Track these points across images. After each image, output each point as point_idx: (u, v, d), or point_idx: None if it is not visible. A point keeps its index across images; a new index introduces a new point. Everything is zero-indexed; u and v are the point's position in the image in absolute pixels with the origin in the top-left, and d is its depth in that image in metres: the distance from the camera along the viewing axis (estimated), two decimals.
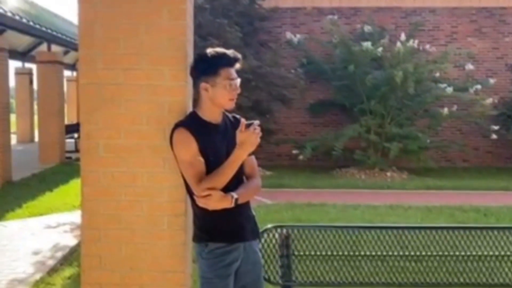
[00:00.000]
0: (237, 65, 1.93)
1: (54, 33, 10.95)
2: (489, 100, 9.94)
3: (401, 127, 9.81)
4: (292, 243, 2.68)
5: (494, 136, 10.30)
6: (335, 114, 10.80)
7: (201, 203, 1.87)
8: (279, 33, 10.89)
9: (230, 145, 1.90)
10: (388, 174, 9.73)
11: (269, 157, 10.18)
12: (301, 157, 9.66)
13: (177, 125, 1.93)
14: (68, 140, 11.88)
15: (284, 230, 2.68)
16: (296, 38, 10.40)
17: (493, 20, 11.02)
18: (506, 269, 2.73)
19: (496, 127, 10.24)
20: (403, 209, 6.98)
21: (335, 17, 10.42)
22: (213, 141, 1.93)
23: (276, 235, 2.69)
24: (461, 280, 2.74)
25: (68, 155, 11.17)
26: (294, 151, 9.96)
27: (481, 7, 10.99)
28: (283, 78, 9.75)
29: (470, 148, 10.76)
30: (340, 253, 2.71)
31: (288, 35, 10.44)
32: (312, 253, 2.73)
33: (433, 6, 11.03)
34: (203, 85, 1.90)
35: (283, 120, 10.73)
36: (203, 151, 1.90)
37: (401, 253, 2.71)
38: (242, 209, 1.96)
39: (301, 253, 2.74)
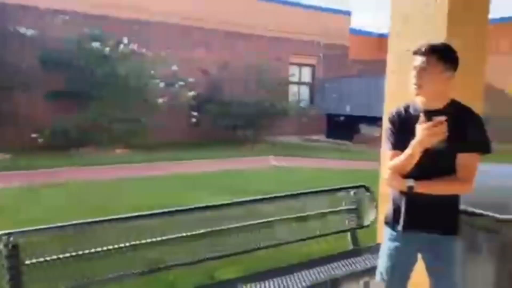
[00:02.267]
0: None
1: None
2: (190, 93, 12.80)
3: (126, 112, 11.54)
4: (23, 251, 2.21)
5: (193, 120, 13.43)
6: (70, 101, 11.64)
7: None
8: (10, 28, 11.30)
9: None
10: (117, 151, 11.30)
11: (10, 140, 10.69)
12: (40, 140, 10.66)
13: None
14: None
15: (12, 238, 2.17)
16: (29, 32, 11.15)
17: (188, 35, 14.44)
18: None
19: (195, 113, 13.33)
20: (132, 181, 7.57)
21: (67, 17, 11.61)
22: None
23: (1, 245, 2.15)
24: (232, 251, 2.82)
25: None
26: (34, 135, 10.71)
27: (182, 25, 14.27)
28: (17, 69, 10.51)
29: (178, 128, 13.54)
30: (74, 253, 2.31)
31: (23, 30, 11.11)
32: (43, 259, 2.25)
33: (147, 20, 13.58)
34: None
35: (23, 107, 11.29)
36: None
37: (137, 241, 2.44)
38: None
39: (33, 261, 2.24)
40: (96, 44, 11.22)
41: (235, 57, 15.35)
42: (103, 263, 2.40)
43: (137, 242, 2.43)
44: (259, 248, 2.91)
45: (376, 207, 3.28)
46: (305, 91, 18.03)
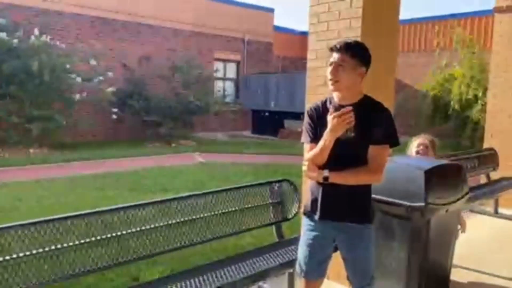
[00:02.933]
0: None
1: None
2: (110, 89, 12.27)
3: (40, 109, 10.79)
4: None
5: (114, 116, 12.89)
6: None
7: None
8: None
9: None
10: (31, 150, 10.57)
11: None
12: None
13: None
14: None
15: None
16: None
17: (107, 27, 13.94)
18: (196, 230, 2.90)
19: (115, 110, 12.78)
20: (48, 181, 7.23)
21: None
22: None
23: None
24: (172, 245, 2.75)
25: None
26: None
27: (98, 16, 13.66)
28: None
29: (98, 126, 13.06)
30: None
31: None
32: None
33: (61, 10, 12.79)
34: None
35: None
36: None
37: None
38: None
39: None
40: (2, 35, 10.28)
41: (158, 52, 14.99)
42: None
43: (53, 247, 2.27)
44: (183, 246, 2.86)
45: (299, 200, 3.37)
46: (230, 87, 18.09)
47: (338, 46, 2.11)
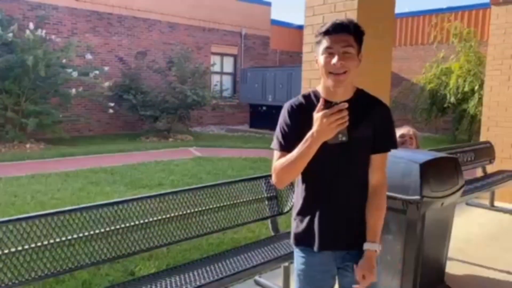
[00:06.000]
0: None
1: None
2: (106, 83, 12.13)
3: (36, 104, 10.66)
4: None
5: (110, 111, 12.78)
6: None
7: None
8: None
9: None
10: (27, 146, 10.51)
11: None
12: None
13: None
14: None
15: None
16: None
17: (103, 22, 13.85)
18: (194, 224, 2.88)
19: (112, 104, 12.63)
20: (44, 177, 7.16)
21: None
22: None
23: None
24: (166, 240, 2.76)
25: None
26: None
27: (93, 10, 13.57)
28: None
29: (94, 120, 13.05)
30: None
31: None
32: None
33: (55, 4, 12.68)
34: None
35: None
36: None
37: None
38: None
39: None
40: None
41: (154, 46, 14.92)
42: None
43: (46, 242, 2.24)
44: (179, 241, 2.86)
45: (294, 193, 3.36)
46: (227, 81, 18.03)
47: (344, 24, 1.60)
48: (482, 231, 4.78)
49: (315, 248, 1.75)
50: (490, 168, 5.83)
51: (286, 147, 1.66)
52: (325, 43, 1.61)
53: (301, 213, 1.79)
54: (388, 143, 1.75)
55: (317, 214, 1.73)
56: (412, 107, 13.69)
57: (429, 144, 9.61)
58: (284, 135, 1.70)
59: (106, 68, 12.55)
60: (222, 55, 17.56)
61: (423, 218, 2.79)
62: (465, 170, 3.86)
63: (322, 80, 1.69)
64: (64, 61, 11.25)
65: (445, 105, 12.35)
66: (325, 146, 1.55)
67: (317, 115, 1.51)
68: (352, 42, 1.60)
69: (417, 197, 2.66)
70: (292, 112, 1.72)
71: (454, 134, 12.87)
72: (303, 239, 1.78)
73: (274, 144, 1.73)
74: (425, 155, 2.95)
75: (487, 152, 5.71)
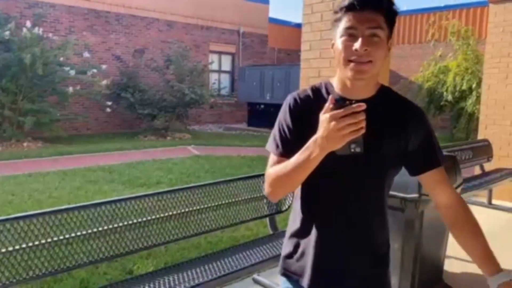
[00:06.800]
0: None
1: None
2: (104, 82, 12.13)
3: (33, 103, 10.68)
4: None
5: (108, 110, 12.78)
6: None
7: None
8: None
9: None
10: (25, 144, 10.50)
11: None
12: None
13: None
14: None
15: None
16: None
17: (101, 20, 13.81)
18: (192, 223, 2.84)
19: (109, 103, 12.62)
20: (42, 175, 7.16)
21: None
22: None
23: None
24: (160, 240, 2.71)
25: None
26: None
27: (91, 8, 13.55)
28: None
29: (92, 119, 13.05)
30: None
31: None
32: None
33: (53, 2, 12.64)
34: None
35: None
36: None
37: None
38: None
39: None
40: None
41: (152, 44, 14.89)
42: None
43: (43, 241, 2.22)
44: (177, 239, 2.85)
45: (293, 192, 3.35)
46: (225, 80, 18.01)
47: None
48: None
49: (304, 283, 1.35)
50: (488, 166, 5.83)
51: (284, 151, 1.29)
52: (346, 22, 1.20)
53: (295, 236, 1.39)
54: (438, 155, 1.34)
55: (314, 243, 1.31)
56: None
57: None
58: (283, 135, 1.31)
59: (103, 67, 12.50)
60: (220, 53, 17.54)
61: (421, 216, 2.79)
62: (463, 168, 3.86)
63: (337, 71, 1.29)
64: (61, 59, 11.23)
65: (443, 103, 12.36)
66: (333, 156, 1.14)
67: (324, 116, 1.11)
68: (382, 23, 1.20)
69: (416, 195, 2.66)
70: (296, 107, 1.32)
71: (452, 132, 12.89)
72: (290, 269, 1.39)
73: (270, 145, 1.35)
74: None
75: (485, 150, 5.72)
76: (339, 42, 1.22)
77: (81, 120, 12.50)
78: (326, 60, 2.90)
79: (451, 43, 12.71)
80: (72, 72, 11.25)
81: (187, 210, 2.92)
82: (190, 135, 13.53)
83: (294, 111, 1.31)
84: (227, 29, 17.43)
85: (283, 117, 1.33)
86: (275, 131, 1.35)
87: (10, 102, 10.63)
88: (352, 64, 1.20)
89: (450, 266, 3.54)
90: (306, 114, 1.27)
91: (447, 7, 15.19)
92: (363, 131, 1.09)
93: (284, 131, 1.32)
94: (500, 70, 5.99)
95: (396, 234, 2.83)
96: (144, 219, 2.69)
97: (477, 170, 5.91)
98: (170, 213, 2.82)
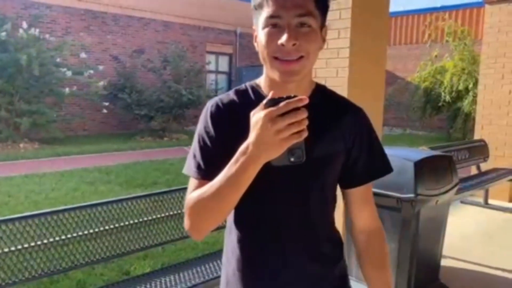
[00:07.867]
0: None
1: None
2: (101, 83, 12.09)
3: (30, 104, 10.59)
4: None
5: (105, 110, 12.70)
6: None
7: None
8: None
9: None
10: (21, 145, 10.40)
11: None
12: None
13: None
14: None
15: None
16: None
17: (97, 20, 13.74)
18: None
19: (106, 104, 12.54)
20: (38, 176, 7.13)
21: None
22: None
23: None
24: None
25: None
26: None
27: (88, 9, 13.48)
28: None
29: (88, 120, 12.97)
30: None
31: None
32: None
33: (49, 3, 12.57)
34: None
35: None
36: None
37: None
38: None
39: None
40: None
41: (148, 45, 14.86)
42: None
43: (39, 242, 2.21)
44: (174, 240, 2.85)
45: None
46: (222, 80, 18.00)
47: None
48: (476, 228, 4.80)
49: None
50: (484, 166, 5.85)
51: (208, 171, 1.02)
52: (268, 8, 0.97)
53: (232, 264, 1.19)
54: (383, 164, 1.19)
55: (253, 276, 1.11)
56: (406, 106, 13.76)
57: (423, 142, 9.65)
58: (205, 150, 1.05)
59: (100, 67, 12.49)
60: (217, 54, 17.53)
61: (417, 216, 2.80)
62: (460, 168, 3.87)
63: (264, 70, 1.07)
64: (58, 60, 11.21)
65: (440, 104, 12.41)
66: (268, 168, 0.88)
67: (256, 117, 0.85)
68: (313, 9, 0.98)
69: (412, 195, 2.67)
70: (218, 114, 1.06)
71: (448, 132, 12.94)
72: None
73: (188, 167, 1.09)
74: (420, 154, 2.96)
75: (481, 150, 5.74)
76: (261, 35, 0.99)
77: (77, 121, 12.43)
78: (323, 61, 2.90)
79: (447, 43, 12.76)
80: (69, 73, 11.18)
81: (184, 210, 2.91)
82: (187, 136, 13.51)
83: (217, 119, 1.06)
84: (224, 29, 17.43)
85: (203, 127, 1.07)
86: (194, 148, 1.09)
87: (6, 103, 10.56)
88: (278, 63, 0.98)
89: (447, 265, 3.56)
90: (232, 121, 1.03)
91: (443, 8, 15.24)
92: (305, 134, 0.83)
93: (206, 144, 1.05)
94: (496, 70, 6.02)
95: (392, 234, 2.84)
96: (141, 219, 2.69)
97: (473, 170, 5.93)
98: (167, 213, 2.82)
